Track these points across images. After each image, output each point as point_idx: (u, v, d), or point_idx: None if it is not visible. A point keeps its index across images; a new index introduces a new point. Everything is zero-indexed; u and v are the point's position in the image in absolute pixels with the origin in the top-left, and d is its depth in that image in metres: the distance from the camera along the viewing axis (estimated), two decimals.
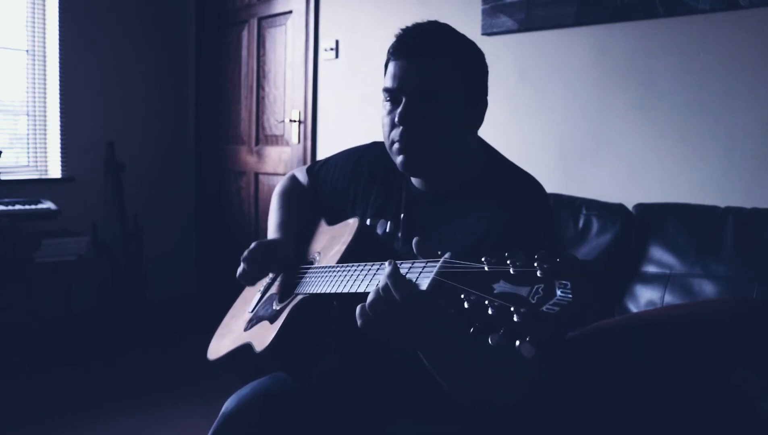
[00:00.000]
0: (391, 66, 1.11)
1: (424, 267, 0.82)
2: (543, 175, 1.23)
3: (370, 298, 0.85)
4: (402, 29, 1.12)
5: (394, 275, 0.82)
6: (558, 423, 1.17)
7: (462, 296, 0.71)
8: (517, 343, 0.65)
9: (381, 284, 0.84)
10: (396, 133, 1.10)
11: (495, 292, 0.69)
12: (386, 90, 1.11)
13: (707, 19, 1.88)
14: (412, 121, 1.08)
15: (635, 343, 1.24)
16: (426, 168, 1.13)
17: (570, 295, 0.64)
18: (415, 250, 0.86)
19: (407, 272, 0.84)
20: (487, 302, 0.68)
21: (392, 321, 0.83)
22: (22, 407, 2.51)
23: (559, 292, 0.65)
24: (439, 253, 0.82)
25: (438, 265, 0.79)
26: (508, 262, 0.71)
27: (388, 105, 1.12)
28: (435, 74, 1.07)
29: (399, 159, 1.11)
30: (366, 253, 1.02)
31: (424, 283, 0.79)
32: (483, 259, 0.73)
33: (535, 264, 0.68)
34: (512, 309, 0.66)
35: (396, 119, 1.08)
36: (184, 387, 2.73)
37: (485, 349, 0.75)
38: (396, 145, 1.11)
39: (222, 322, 1.38)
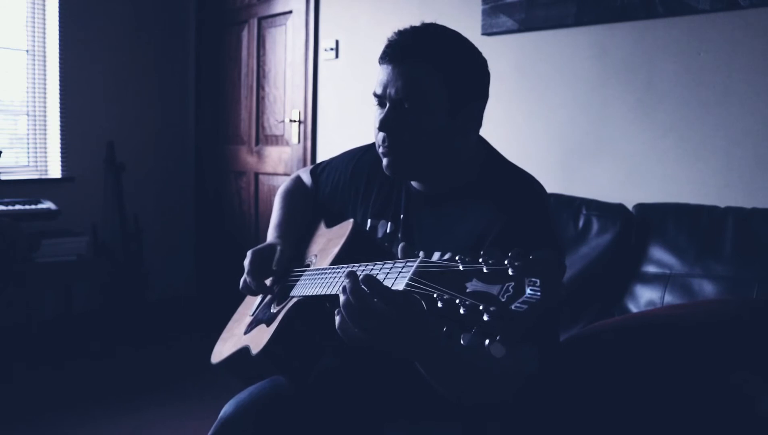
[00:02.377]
0: (378, 70, 1.13)
1: (403, 267, 0.82)
2: (543, 175, 1.23)
3: (342, 302, 0.84)
4: (394, 32, 1.13)
5: (369, 280, 0.82)
6: (558, 423, 1.17)
7: (435, 296, 0.71)
8: (487, 342, 0.65)
9: (350, 287, 0.83)
10: (380, 137, 1.12)
11: (467, 291, 0.68)
12: (374, 95, 1.14)
13: (707, 19, 1.88)
14: (392, 126, 1.10)
15: (635, 343, 1.24)
16: (409, 171, 1.15)
17: (539, 293, 0.64)
18: (399, 255, 0.87)
19: (387, 273, 0.85)
20: (458, 302, 0.68)
21: (371, 323, 0.83)
22: (22, 407, 2.51)
23: (528, 290, 0.64)
24: (416, 252, 0.82)
25: (414, 265, 0.79)
26: (481, 260, 0.70)
27: (377, 109, 1.14)
28: (414, 79, 1.08)
29: (384, 162, 1.14)
30: (361, 254, 1.02)
31: (400, 285, 0.79)
32: (457, 258, 0.73)
33: (507, 262, 0.68)
34: (481, 308, 0.65)
35: (377, 124, 1.11)
36: (184, 387, 2.73)
37: (460, 349, 0.75)
38: (380, 149, 1.13)
39: (226, 326, 1.38)
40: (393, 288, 0.81)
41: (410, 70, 1.08)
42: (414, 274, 0.77)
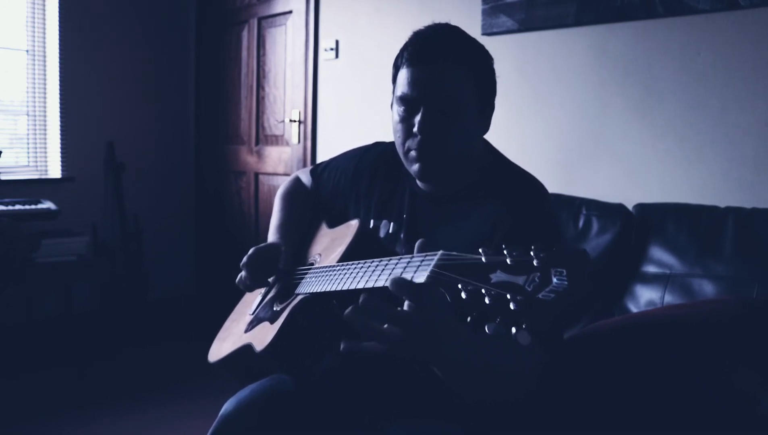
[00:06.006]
0: (406, 72, 1.08)
1: (423, 260, 0.82)
2: (543, 175, 1.23)
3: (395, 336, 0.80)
4: (415, 33, 1.10)
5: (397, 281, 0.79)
6: (558, 423, 1.17)
7: (459, 286, 0.71)
8: (513, 330, 0.65)
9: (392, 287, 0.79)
10: (413, 142, 1.09)
11: (492, 281, 0.69)
12: (402, 98, 1.09)
13: (707, 19, 1.88)
14: (431, 131, 1.07)
15: (635, 343, 1.24)
16: (441, 175, 1.13)
17: (566, 282, 0.64)
18: (416, 251, 0.86)
19: (406, 266, 0.84)
20: (483, 291, 0.68)
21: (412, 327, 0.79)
22: (22, 407, 2.51)
23: (555, 280, 0.65)
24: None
25: (436, 257, 0.79)
26: (505, 252, 0.71)
27: (401, 111, 1.10)
28: (453, 82, 1.06)
29: (415, 167, 1.11)
30: (366, 254, 1.02)
31: (422, 276, 0.79)
32: (480, 251, 0.73)
33: (532, 253, 0.68)
34: (508, 297, 0.66)
35: (415, 128, 1.07)
36: (185, 387, 2.73)
37: (485, 343, 0.76)
38: (412, 154, 1.10)
39: (223, 326, 1.38)
40: (415, 280, 0.79)
41: (448, 72, 1.05)
42: (436, 265, 0.77)
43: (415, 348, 0.81)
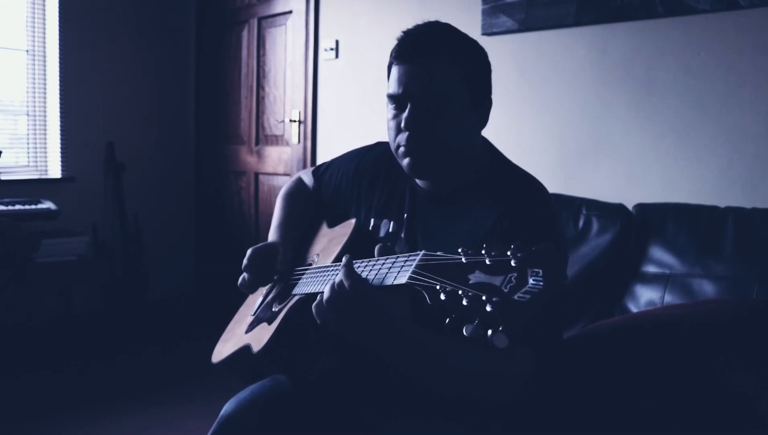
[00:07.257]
0: (394, 70, 1.10)
1: (406, 261, 0.83)
2: (543, 175, 1.23)
3: (326, 294, 0.92)
4: (403, 32, 1.12)
5: (347, 267, 0.91)
6: (558, 423, 1.17)
7: (438, 288, 0.71)
8: (490, 332, 0.65)
9: (336, 279, 0.91)
10: (402, 137, 1.10)
11: (470, 282, 0.69)
12: (391, 96, 1.11)
13: (707, 19, 1.88)
14: (418, 126, 1.08)
15: (635, 343, 1.24)
16: (432, 170, 1.14)
17: (542, 283, 0.64)
18: (376, 254, 0.93)
19: (390, 267, 0.85)
20: (461, 293, 0.69)
21: (344, 312, 0.90)
22: (22, 407, 2.51)
23: (531, 280, 0.65)
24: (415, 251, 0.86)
25: (417, 259, 0.80)
26: (484, 252, 0.71)
27: (392, 109, 1.12)
28: (439, 77, 1.06)
29: (405, 162, 1.12)
30: (363, 253, 1.03)
31: (403, 278, 0.80)
32: (460, 251, 0.74)
33: (509, 253, 0.68)
34: (484, 298, 0.66)
35: (402, 124, 1.08)
36: (184, 388, 2.73)
37: (451, 348, 0.83)
38: (402, 149, 1.11)
39: (227, 327, 1.39)
40: (395, 281, 0.83)
41: (433, 67, 1.06)
42: (417, 266, 0.78)
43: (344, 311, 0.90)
